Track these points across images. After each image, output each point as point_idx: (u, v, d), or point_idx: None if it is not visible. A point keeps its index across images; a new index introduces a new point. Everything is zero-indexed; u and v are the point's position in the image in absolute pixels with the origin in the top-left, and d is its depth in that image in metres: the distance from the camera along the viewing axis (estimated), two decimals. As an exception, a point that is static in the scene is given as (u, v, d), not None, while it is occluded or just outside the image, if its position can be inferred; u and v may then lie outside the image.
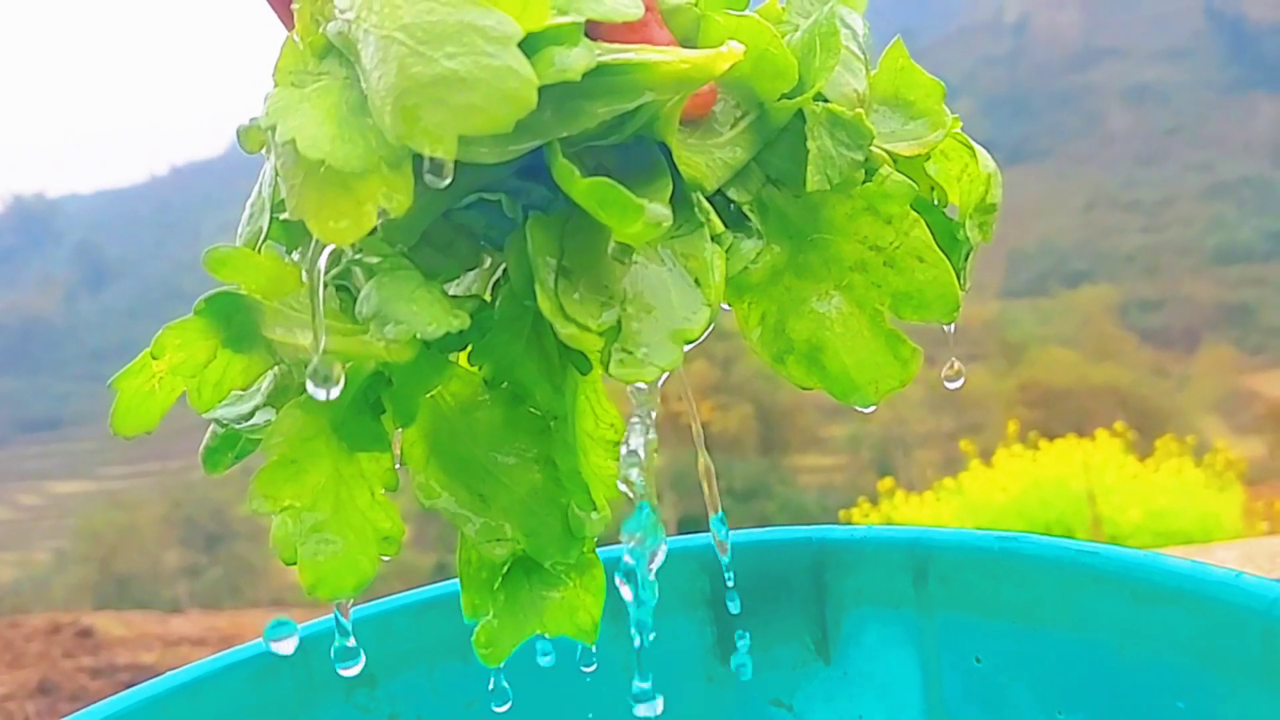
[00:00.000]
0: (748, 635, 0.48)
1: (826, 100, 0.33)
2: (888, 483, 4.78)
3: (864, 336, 0.35)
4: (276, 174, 0.31)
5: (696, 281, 0.31)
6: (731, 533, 0.49)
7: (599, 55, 0.28)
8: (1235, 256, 19.24)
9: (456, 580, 0.47)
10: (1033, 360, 13.96)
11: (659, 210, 0.28)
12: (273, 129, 0.28)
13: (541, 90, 0.26)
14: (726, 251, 0.33)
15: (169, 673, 0.44)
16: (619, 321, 0.30)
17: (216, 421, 0.36)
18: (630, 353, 0.30)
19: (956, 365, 0.36)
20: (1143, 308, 17.97)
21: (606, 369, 0.30)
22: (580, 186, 0.28)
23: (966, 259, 0.37)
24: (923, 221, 0.34)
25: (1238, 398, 14.79)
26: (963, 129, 0.37)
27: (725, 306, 0.36)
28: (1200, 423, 12.31)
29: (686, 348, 0.31)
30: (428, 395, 0.36)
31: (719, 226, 0.32)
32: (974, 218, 0.37)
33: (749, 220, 0.34)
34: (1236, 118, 24.19)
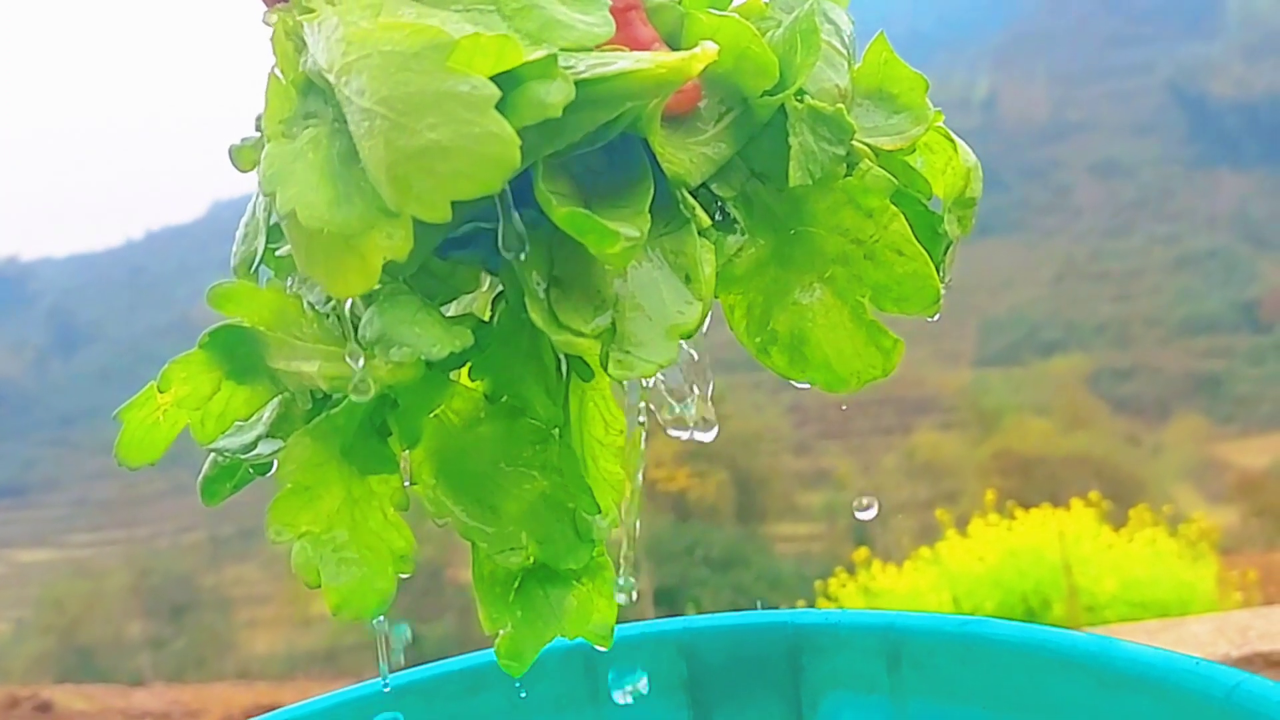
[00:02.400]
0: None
1: (808, 96, 0.34)
2: (863, 553, 4.76)
3: (846, 328, 0.35)
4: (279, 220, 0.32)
5: (687, 277, 0.32)
6: (707, 616, 0.50)
7: (579, 71, 0.28)
8: (1204, 327, 19.51)
9: (437, 662, 0.47)
10: (1006, 429, 14.03)
11: (632, 233, 0.29)
12: (273, 196, 0.29)
13: None
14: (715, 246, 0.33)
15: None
16: (613, 323, 0.31)
17: (219, 453, 0.37)
18: (627, 352, 0.31)
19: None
20: (1114, 377, 18.14)
21: (605, 369, 0.31)
22: (560, 214, 0.29)
23: (947, 252, 0.37)
24: (902, 215, 0.35)
25: (1210, 467, 14.89)
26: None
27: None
28: (1174, 492, 12.37)
29: (683, 343, 0.32)
30: (432, 415, 0.37)
31: (705, 221, 0.33)
32: (953, 211, 0.37)
33: (733, 215, 0.35)
34: (1201, 192, 24.69)
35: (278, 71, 0.32)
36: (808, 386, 0.37)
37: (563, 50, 0.28)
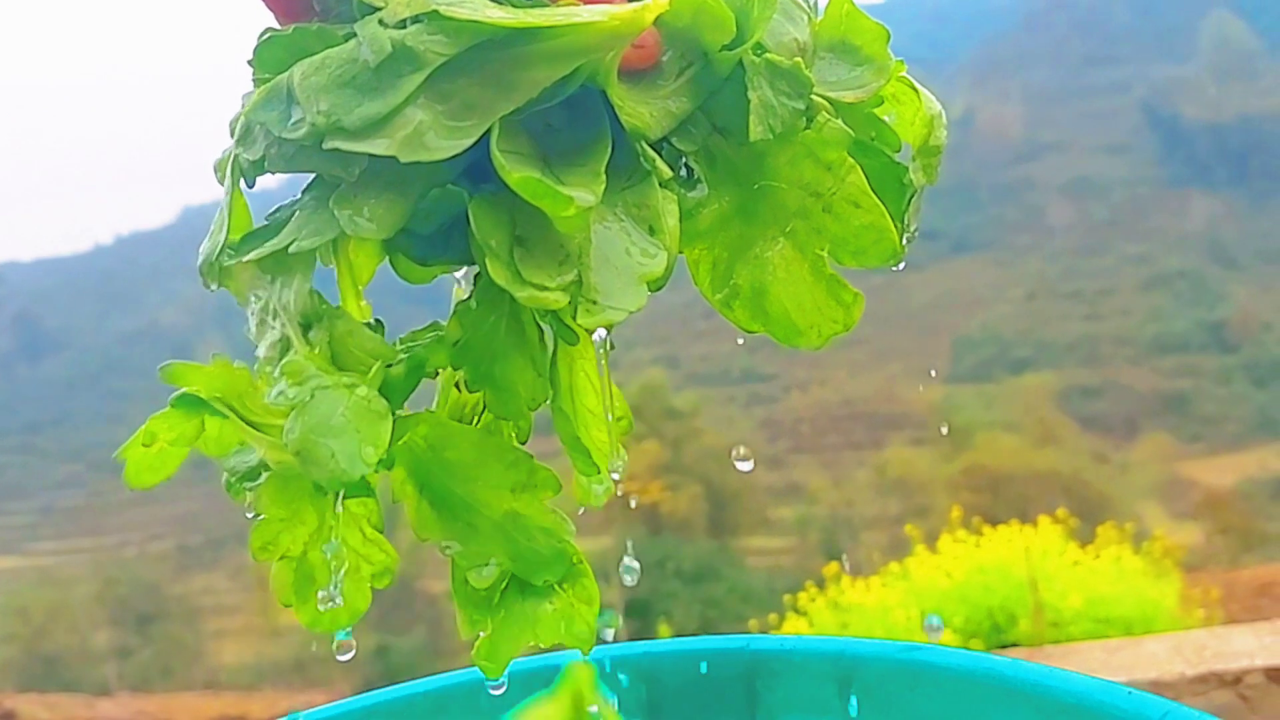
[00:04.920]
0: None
1: (766, 50, 0.34)
2: (834, 567, 4.78)
3: (805, 281, 0.35)
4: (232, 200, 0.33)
5: (650, 229, 0.32)
6: (667, 641, 0.51)
7: (528, 19, 0.29)
8: (1172, 347, 19.73)
9: (405, 684, 0.48)
10: (977, 445, 14.12)
11: (586, 197, 0.30)
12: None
13: (480, 69, 0.28)
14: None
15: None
16: (579, 275, 0.31)
17: (230, 473, 0.38)
18: (594, 301, 0.31)
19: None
20: (1083, 395, 18.31)
21: (574, 319, 0.31)
22: (514, 179, 0.29)
23: (909, 203, 0.37)
24: (859, 168, 0.35)
25: (1175, 485, 15.05)
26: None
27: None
28: (1140, 509, 12.49)
29: (651, 294, 0.32)
30: (400, 442, 0.37)
31: (666, 173, 0.33)
32: (918, 160, 0.37)
33: (696, 170, 0.36)
34: (1172, 212, 24.98)
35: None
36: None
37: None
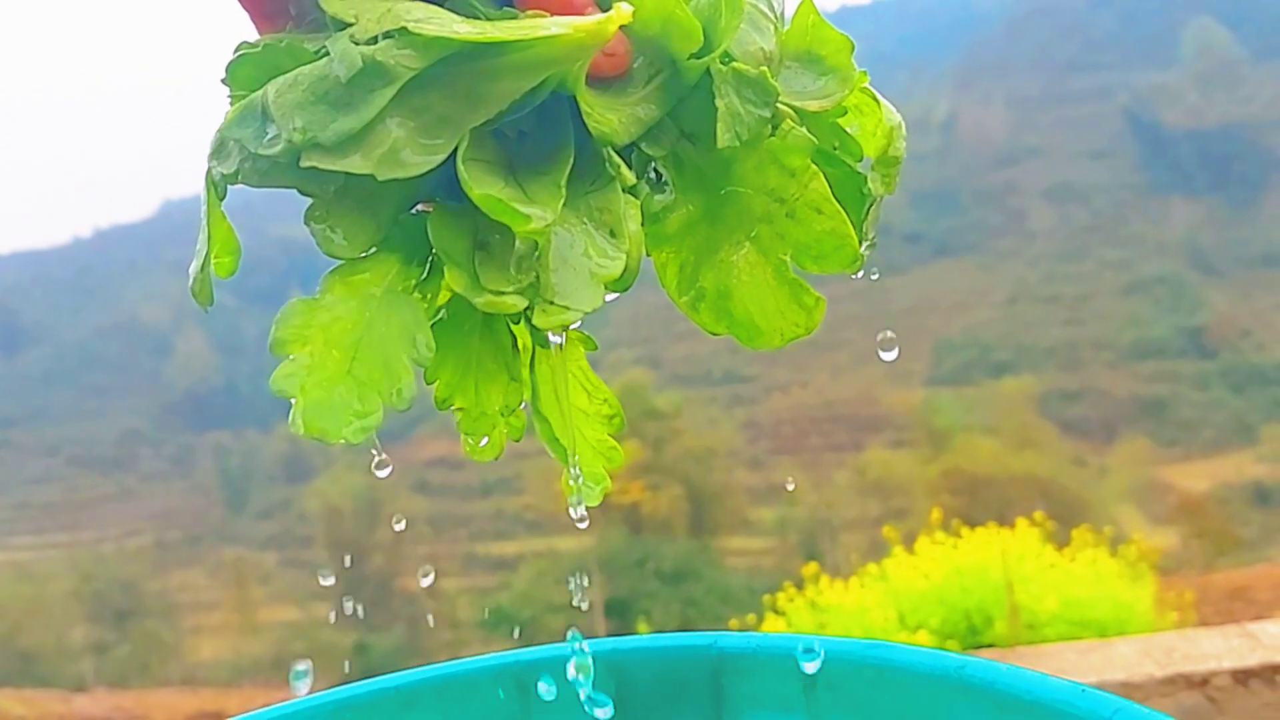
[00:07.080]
0: None
1: (733, 59, 0.35)
2: (813, 568, 4.79)
3: (769, 285, 0.36)
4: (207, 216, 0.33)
5: (611, 233, 0.33)
6: (635, 638, 0.52)
7: (495, 33, 0.30)
8: (1151, 352, 19.89)
9: (372, 679, 0.49)
10: (956, 448, 14.21)
11: (544, 215, 0.31)
12: None
13: (450, 82, 0.29)
14: (642, 204, 0.34)
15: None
16: (538, 277, 0.32)
17: None
18: (551, 302, 0.32)
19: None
20: (1062, 399, 18.44)
21: (531, 321, 0.32)
22: (475, 195, 0.30)
23: (869, 212, 0.38)
24: (821, 175, 0.36)
25: (1152, 489, 15.18)
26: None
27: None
28: (1116, 513, 12.60)
29: (610, 297, 0.33)
30: None
31: (630, 179, 0.34)
32: (877, 170, 0.38)
33: (663, 175, 0.36)
34: (1153, 218, 25.17)
35: None
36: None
37: None
